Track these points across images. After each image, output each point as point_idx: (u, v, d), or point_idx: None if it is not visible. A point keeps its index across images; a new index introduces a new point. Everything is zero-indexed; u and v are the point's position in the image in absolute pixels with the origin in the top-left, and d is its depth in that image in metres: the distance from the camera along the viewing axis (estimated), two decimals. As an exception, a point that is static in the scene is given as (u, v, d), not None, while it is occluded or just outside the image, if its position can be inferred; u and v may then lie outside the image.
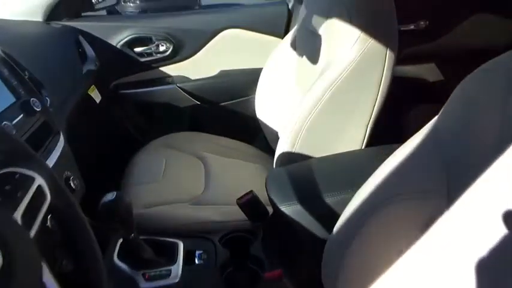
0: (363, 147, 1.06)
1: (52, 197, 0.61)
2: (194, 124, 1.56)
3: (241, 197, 1.07)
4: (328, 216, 0.84)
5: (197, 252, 1.01)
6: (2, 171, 0.56)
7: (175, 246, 1.02)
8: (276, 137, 1.41)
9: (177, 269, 0.96)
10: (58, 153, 0.94)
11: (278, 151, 1.07)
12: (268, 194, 0.91)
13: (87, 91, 1.29)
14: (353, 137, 1.05)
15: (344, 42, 0.98)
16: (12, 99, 0.87)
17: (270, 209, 1.09)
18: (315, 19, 1.14)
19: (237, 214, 1.05)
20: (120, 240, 1.03)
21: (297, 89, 1.27)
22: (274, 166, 1.11)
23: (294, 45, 1.32)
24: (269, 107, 1.42)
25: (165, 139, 1.45)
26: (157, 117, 1.59)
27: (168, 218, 1.10)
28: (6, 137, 0.59)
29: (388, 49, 0.98)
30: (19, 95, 0.89)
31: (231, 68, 1.53)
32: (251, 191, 1.07)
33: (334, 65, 0.99)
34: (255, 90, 1.45)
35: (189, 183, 1.26)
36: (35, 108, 0.89)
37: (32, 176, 0.59)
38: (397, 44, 1.00)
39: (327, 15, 1.06)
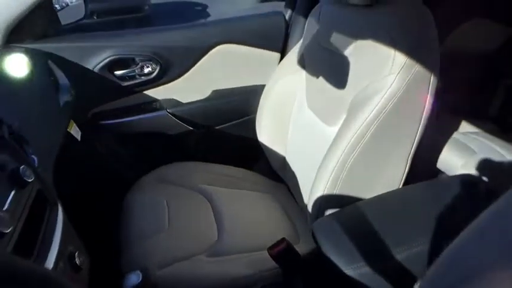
0: (402, 183, 0.96)
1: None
2: (187, 153, 1.38)
3: (273, 247, 0.93)
4: (402, 276, 0.74)
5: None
6: None
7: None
8: (281, 161, 1.28)
9: None
10: (60, 228, 0.74)
11: (315, 193, 0.94)
12: (322, 251, 0.78)
13: (66, 129, 1.07)
14: (394, 172, 0.95)
15: (385, 68, 0.87)
16: None
17: (303, 250, 0.98)
18: (338, 38, 1.01)
19: (266, 262, 0.91)
20: None
21: (311, 113, 1.14)
22: (309, 208, 0.97)
23: (302, 63, 1.19)
24: (273, 129, 1.28)
25: (158, 173, 1.27)
26: (145, 149, 1.39)
27: (189, 278, 0.94)
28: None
29: (432, 75, 0.88)
30: (4, 163, 0.67)
31: (225, 87, 1.36)
32: (284, 239, 0.93)
33: (375, 95, 0.87)
34: (253, 109, 1.30)
35: (199, 228, 1.10)
36: (26, 178, 0.68)
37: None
38: (439, 68, 0.91)
39: (357, 35, 0.94)
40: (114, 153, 1.34)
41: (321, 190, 0.92)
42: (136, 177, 1.23)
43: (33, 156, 0.80)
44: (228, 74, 1.36)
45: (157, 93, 1.31)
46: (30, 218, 0.68)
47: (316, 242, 0.81)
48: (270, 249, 0.93)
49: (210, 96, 1.35)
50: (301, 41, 1.21)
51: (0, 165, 0.67)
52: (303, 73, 1.19)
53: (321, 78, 1.10)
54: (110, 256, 0.99)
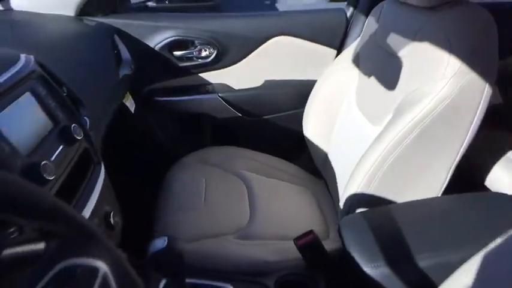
0: (441, 191, 0.91)
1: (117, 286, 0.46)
2: (234, 138, 1.41)
3: (300, 237, 0.92)
4: (423, 284, 0.71)
5: (251, 302, 0.87)
6: (57, 269, 0.41)
7: (225, 293, 0.88)
8: (323, 158, 1.27)
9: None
10: (100, 187, 0.79)
11: (349, 190, 0.92)
12: (344, 247, 0.76)
13: (122, 100, 1.13)
14: (433, 180, 0.90)
15: (438, 72, 0.83)
16: (49, 125, 0.71)
17: (327, 246, 0.96)
18: (394, 38, 0.98)
19: (292, 252, 0.91)
20: (164, 281, 0.88)
21: (358, 112, 1.11)
22: (340, 204, 0.96)
23: (356, 61, 1.16)
24: (319, 125, 1.26)
25: (202, 154, 1.30)
26: (193, 129, 1.43)
27: (215, 255, 0.96)
28: (61, 212, 0.43)
29: (487, 84, 0.83)
30: (57, 120, 0.73)
31: (278, 79, 1.36)
32: (311, 231, 0.92)
33: (423, 98, 0.83)
34: (303, 104, 1.29)
35: (233, 210, 1.11)
36: (76, 136, 0.73)
37: (96, 266, 0.44)
38: (495, 79, 0.84)
39: (414, 37, 0.90)
40: (164, 129, 1.40)
41: (354, 187, 0.90)
42: (180, 155, 1.28)
43: (86, 118, 0.85)
44: (282, 65, 1.36)
45: (211, 77, 1.34)
46: (73, 173, 0.74)
47: (341, 237, 0.80)
48: (296, 239, 0.92)
49: (261, 85, 1.36)
50: (359, 39, 1.18)
51: (54, 120, 0.72)
52: (356, 71, 1.16)
53: (372, 77, 1.07)
54: (143, 225, 1.04)
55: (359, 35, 1.20)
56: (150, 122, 1.37)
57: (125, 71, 1.19)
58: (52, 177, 0.63)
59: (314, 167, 1.33)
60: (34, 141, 0.66)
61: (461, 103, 0.82)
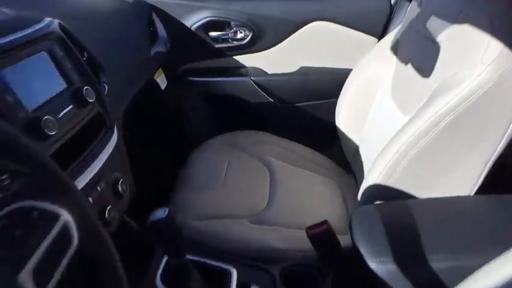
0: (473, 191, 0.81)
1: (80, 240, 0.45)
2: (263, 123, 1.37)
3: (313, 227, 0.87)
4: (434, 286, 0.63)
5: (252, 287, 0.83)
6: (10, 208, 0.40)
7: (227, 275, 0.85)
8: (354, 151, 1.19)
9: (227, 307, 0.79)
10: (109, 152, 0.79)
11: (367, 181, 0.85)
12: (352, 239, 0.70)
13: (152, 76, 1.13)
14: (466, 177, 0.80)
15: (476, 57, 0.74)
16: (62, 85, 0.72)
17: (345, 241, 0.89)
18: (434, 22, 0.89)
19: (304, 242, 0.85)
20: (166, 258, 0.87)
21: (391, 102, 1.03)
22: (359, 196, 0.89)
23: (395, 49, 1.07)
24: (352, 115, 1.19)
25: (229, 136, 1.28)
26: (222, 111, 1.41)
27: (222, 236, 0.93)
28: (23, 150, 0.42)
29: (533, 73, 0.72)
30: (71, 81, 0.73)
31: (313, 66, 1.30)
32: (325, 222, 0.87)
33: (458, 84, 0.74)
34: (336, 93, 1.22)
35: (251, 194, 1.08)
36: (88, 98, 0.73)
37: (57, 212, 0.43)
38: None
39: (455, 20, 0.81)
40: (194, 109, 1.39)
41: (374, 178, 0.83)
42: (208, 136, 1.26)
43: (105, 84, 0.86)
44: (318, 52, 1.29)
45: (245, 59, 1.31)
46: (82, 135, 0.74)
47: (350, 229, 0.73)
48: (308, 228, 0.87)
49: (296, 71, 1.30)
50: (400, 26, 1.09)
51: (68, 81, 0.73)
52: (394, 60, 1.07)
53: (409, 65, 0.98)
54: (159, 199, 1.04)
55: (401, 23, 1.11)
56: (181, 101, 1.37)
57: (158, 48, 1.19)
58: (53, 133, 0.63)
59: (344, 159, 1.25)
60: (43, 98, 0.67)
61: (500, 93, 0.72)
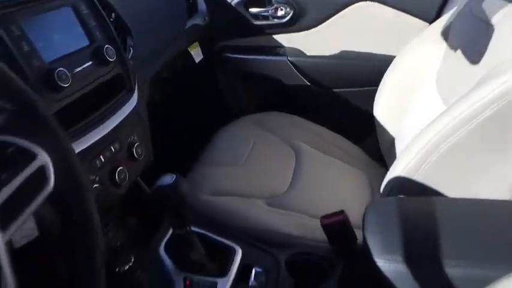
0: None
1: (58, 184, 0.43)
2: (296, 106, 1.30)
3: (328, 216, 0.81)
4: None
5: (255, 270, 0.79)
6: None
7: (232, 253, 0.81)
8: (390, 143, 1.10)
9: (225, 286, 0.75)
10: (126, 113, 0.78)
11: (392, 172, 0.77)
12: (363, 233, 0.64)
13: (187, 47, 1.11)
14: (503, 180, 0.70)
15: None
16: (84, 42, 0.71)
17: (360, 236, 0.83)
18: (490, 2, 0.78)
19: (318, 232, 0.80)
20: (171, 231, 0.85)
21: (435, 93, 0.93)
22: (381, 188, 0.81)
23: (445, 34, 0.97)
24: (392, 105, 1.10)
25: (260, 117, 1.23)
26: (257, 90, 1.37)
27: (234, 213, 0.89)
28: (8, 85, 0.41)
29: None
30: (94, 39, 0.73)
31: (355, 50, 1.21)
32: (342, 212, 0.80)
33: (508, 71, 0.64)
34: (378, 81, 1.13)
35: (273, 176, 1.03)
36: (108, 57, 0.72)
37: (35, 152, 0.41)
38: None
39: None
40: (229, 86, 1.36)
41: (399, 169, 0.75)
42: (239, 114, 1.23)
43: (130, 47, 0.85)
44: (362, 36, 1.20)
45: (283, 39, 1.25)
46: (99, 93, 0.73)
47: (363, 221, 0.67)
48: (324, 217, 0.81)
49: (336, 55, 1.22)
50: (454, 9, 0.98)
51: (90, 39, 0.72)
52: (443, 47, 0.97)
53: (458, 52, 0.87)
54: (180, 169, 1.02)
55: (456, 5, 1.00)
56: (216, 77, 1.34)
57: (196, 21, 1.16)
58: (66, 85, 0.63)
59: (378, 152, 1.17)
60: (62, 51, 0.67)
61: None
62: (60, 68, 0.62)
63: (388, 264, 0.58)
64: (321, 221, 0.80)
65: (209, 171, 1.00)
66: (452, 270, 0.55)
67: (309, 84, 1.26)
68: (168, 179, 0.71)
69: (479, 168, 0.70)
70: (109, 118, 0.73)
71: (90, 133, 0.69)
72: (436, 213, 0.63)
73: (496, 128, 0.65)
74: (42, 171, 0.41)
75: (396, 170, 0.76)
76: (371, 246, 0.60)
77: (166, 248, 0.80)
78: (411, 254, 0.57)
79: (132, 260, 0.75)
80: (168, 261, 0.78)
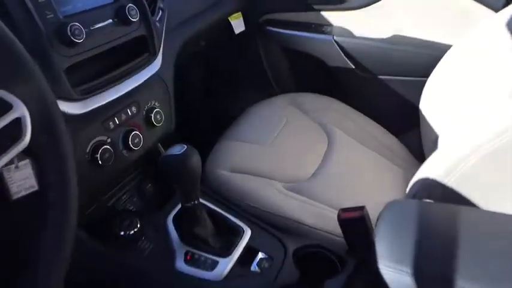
0: None
1: (36, 139, 0.41)
2: (337, 89, 1.21)
3: (347, 210, 0.74)
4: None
5: (260, 255, 0.75)
6: None
7: (239, 234, 0.77)
8: (434, 140, 0.99)
9: (226, 266, 0.71)
10: (147, 77, 0.75)
11: (422, 172, 0.68)
12: (375, 235, 0.57)
13: (227, 16, 1.06)
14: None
15: None
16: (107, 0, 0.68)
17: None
18: None
19: (335, 224, 0.74)
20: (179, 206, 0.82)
21: (492, 92, 0.81)
22: (408, 188, 0.73)
23: (510, 27, 0.83)
24: (441, 100, 0.98)
25: (297, 96, 1.16)
26: (299, 69, 1.29)
27: (249, 193, 0.85)
28: None
29: None
30: None
31: (409, 35, 1.09)
32: (362, 208, 0.73)
33: None
34: (429, 72, 1.01)
35: (299, 160, 0.97)
36: (130, 17, 0.69)
37: (11, 103, 0.39)
38: None
39: None
40: (270, 61, 1.29)
41: (429, 171, 0.66)
42: (277, 92, 1.16)
43: (160, 9, 0.81)
44: (417, 20, 1.07)
45: (331, 16, 1.15)
46: (120, 53, 0.71)
47: (376, 221, 0.60)
48: (342, 210, 0.75)
49: (386, 39, 1.10)
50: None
51: None
52: (507, 38, 0.83)
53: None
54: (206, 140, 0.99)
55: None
56: (256, 51, 1.27)
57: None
58: (80, 41, 0.61)
59: (420, 148, 1.06)
60: (81, 7, 0.64)
61: None
62: (75, 23, 0.60)
63: (393, 273, 0.51)
64: (338, 214, 0.73)
65: (233, 147, 0.96)
66: (467, 291, 0.47)
67: (354, 67, 1.16)
68: (178, 149, 0.68)
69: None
70: (126, 80, 0.71)
71: (104, 93, 0.67)
72: (459, 224, 0.54)
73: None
74: (18, 123, 0.39)
75: (426, 171, 0.67)
76: (378, 250, 0.53)
77: (174, 220, 0.78)
78: (421, 267, 0.50)
79: (138, 226, 0.74)
80: (173, 232, 0.76)
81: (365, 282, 0.69)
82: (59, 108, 0.43)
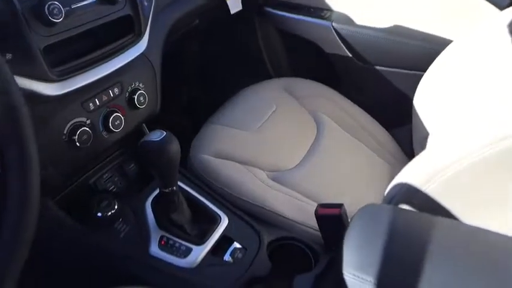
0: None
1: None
2: (332, 77, 1.18)
3: (325, 206, 0.74)
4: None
5: (234, 245, 0.74)
6: None
7: (216, 221, 0.77)
8: (424, 137, 0.97)
9: (199, 254, 0.71)
10: (132, 57, 0.73)
11: (401, 176, 0.67)
12: (344, 239, 0.56)
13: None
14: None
15: None
16: None
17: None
18: None
19: (314, 218, 0.73)
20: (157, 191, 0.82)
21: (488, 95, 0.78)
22: (385, 192, 0.71)
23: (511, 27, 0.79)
24: (436, 97, 0.95)
25: (290, 82, 1.13)
26: (294, 53, 1.25)
27: (230, 180, 0.84)
28: None
29: None
30: None
31: (411, 27, 1.05)
32: (341, 205, 0.73)
33: None
34: (427, 66, 0.98)
35: (285, 148, 0.96)
36: None
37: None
38: None
39: None
40: (265, 43, 1.25)
41: (410, 174, 0.64)
42: (271, 75, 1.13)
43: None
44: (420, 12, 1.03)
45: (332, 2, 1.11)
46: (103, 33, 0.68)
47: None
48: (320, 205, 0.74)
49: (387, 29, 1.06)
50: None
51: None
52: (508, 39, 0.80)
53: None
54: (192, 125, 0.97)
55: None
56: (255, 32, 1.23)
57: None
58: (58, 20, 0.58)
59: (411, 145, 1.04)
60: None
61: None
62: (53, 2, 0.57)
63: (356, 281, 0.50)
64: (315, 210, 0.73)
65: (219, 131, 0.94)
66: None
67: (351, 55, 1.12)
68: (157, 135, 0.66)
69: (501, 197, 0.58)
70: (110, 60, 0.68)
71: (84, 74, 0.65)
72: (432, 236, 0.53)
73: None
74: None
75: (406, 175, 0.65)
76: (345, 256, 0.53)
77: (152, 203, 0.78)
78: (385, 278, 0.49)
79: (116, 208, 0.73)
80: (150, 216, 0.76)
81: (334, 282, 0.69)
82: (18, 88, 0.42)
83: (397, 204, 0.66)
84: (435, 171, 0.61)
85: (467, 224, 0.58)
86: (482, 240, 0.55)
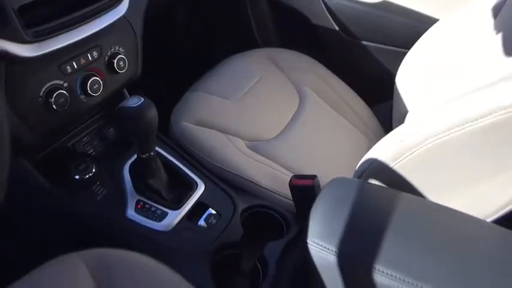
0: (492, 218, 0.61)
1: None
2: (318, 50, 1.17)
3: (299, 177, 0.75)
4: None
5: (209, 211, 0.76)
6: None
7: (193, 187, 0.78)
8: (403, 115, 0.98)
9: (174, 218, 0.73)
10: (111, 20, 0.71)
11: (372, 152, 0.68)
12: (311, 209, 0.58)
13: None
14: (489, 198, 0.60)
15: None
16: None
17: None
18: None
19: (288, 188, 0.75)
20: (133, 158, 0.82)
21: (464, 76, 0.79)
22: (357, 166, 0.73)
23: (496, 10, 0.79)
24: (416, 76, 0.96)
25: (275, 52, 1.12)
26: (282, 24, 1.22)
27: (208, 148, 0.85)
28: None
29: None
30: None
31: (399, 4, 1.03)
32: (314, 177, 0.74)
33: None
34: (411, 44, 0.98)
35: (266, 118, 0.96)
36: None
37: None
38: None
39: None
40: (254, 13, 1.22)
41: (379, 151, 0.66)
42: (258, 44, 1.12)
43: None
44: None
45: (325, -27, 1.09)
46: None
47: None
48: (295, 176, 0.76)
49: (376, 3, 1.04)
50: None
51: None
52: (490, 25, 0.80)
53: (499, 35, 0.72)
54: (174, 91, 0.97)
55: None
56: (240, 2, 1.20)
57: None
58: None
59: (391, 121, 1.05)
60: None
61: None
62: None
63: (320, 250, 0.52)
64: (290, 180, 0.74)
65: (201, 99, 0.94)
66: (381, 278, 0.49)
67: (337, 29, 1.11)
68: (134, 101, 0.66)
69: (465, 179, 0.60)
70: (88, 22, 0.67)
71: (61, 35, 0.63)
72: (395, 210, 0.55)
73: (496, 139, 0.54)
74: None
75: (376, 151, 0.67)
76: (310, 226, 0.55)
77: (130, 168, 0.78)
78: (347, 249, 0.51)
79: (94, 171, 0.74)
80: (128, 180, 0.77)
81: (303, 250, 0.72)
82: None
83: (366, 178, 0.68)
84: (404, 149, 0.62)
85: (431, 201, 0.60)
86: (443, 216, 0.57)
